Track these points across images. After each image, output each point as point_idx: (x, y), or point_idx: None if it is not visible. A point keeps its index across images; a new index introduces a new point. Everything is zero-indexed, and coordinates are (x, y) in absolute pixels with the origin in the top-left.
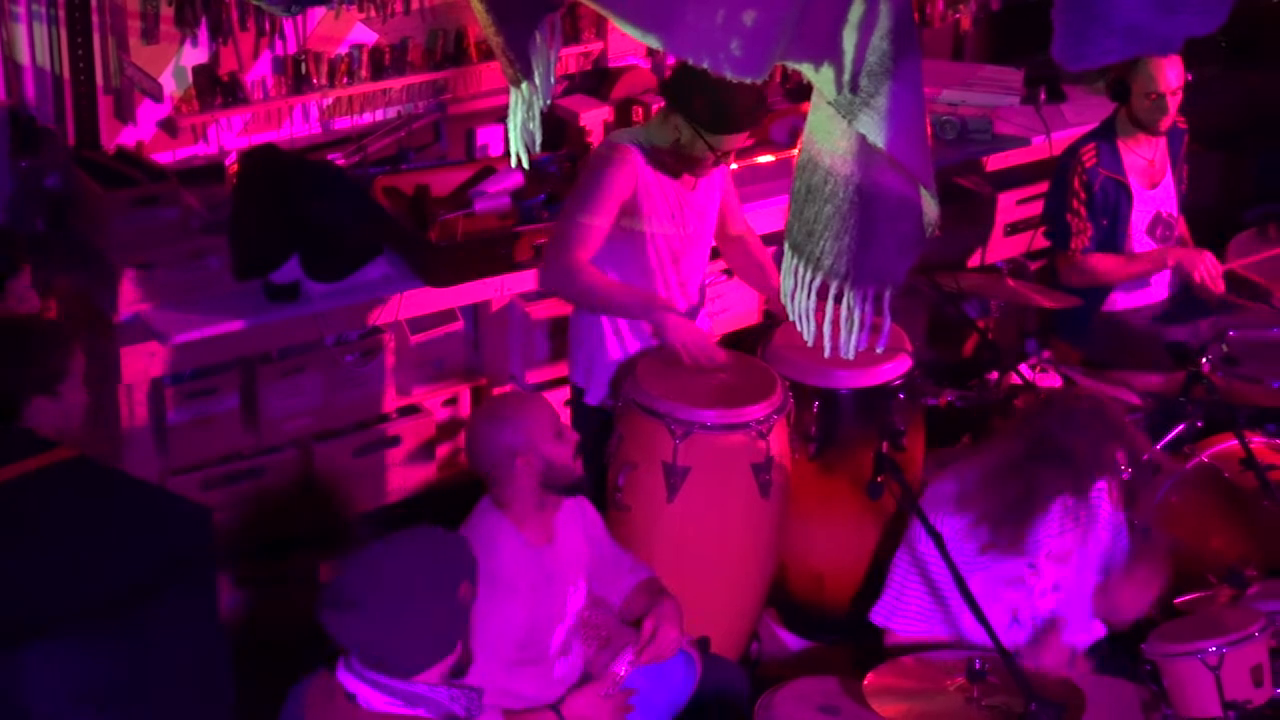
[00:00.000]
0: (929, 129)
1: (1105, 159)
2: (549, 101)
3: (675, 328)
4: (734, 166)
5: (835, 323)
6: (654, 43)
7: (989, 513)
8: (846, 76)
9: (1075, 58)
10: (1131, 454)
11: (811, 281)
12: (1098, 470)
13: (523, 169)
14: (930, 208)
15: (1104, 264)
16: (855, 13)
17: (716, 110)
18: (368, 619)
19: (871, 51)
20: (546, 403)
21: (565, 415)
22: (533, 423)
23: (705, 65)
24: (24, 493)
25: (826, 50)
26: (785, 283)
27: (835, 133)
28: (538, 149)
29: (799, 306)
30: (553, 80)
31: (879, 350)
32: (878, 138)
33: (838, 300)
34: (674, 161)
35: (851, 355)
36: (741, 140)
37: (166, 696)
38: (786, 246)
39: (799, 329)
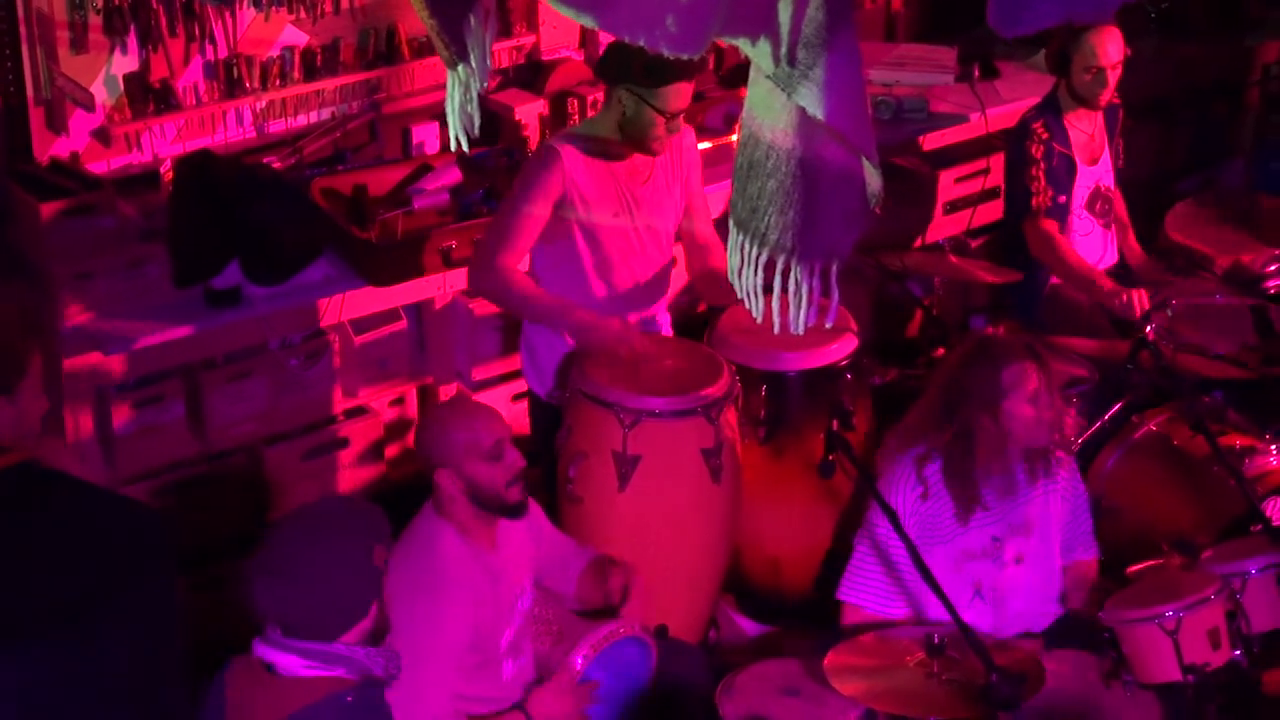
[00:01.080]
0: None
1: (1055, 133)
2: (485, 84)
3: (588, 329)
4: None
5: (783, 299)
6: (589, 22)
7: (939, 471)
8: (784, 50)
9: (1011, 23)
10: (1043, 376)
11: (758, 258)
12: (1007, 394)
13: (460, 165)
14: (874, 179)
15: (1055, 233)
16: None
17: (651, 63)
18: (283, 584)
19: (808, 23)
20: (491, 420)
21: (517, 409)
22: (463, 439)
23: (641, 43)
24: None
25: (763, 24)
26: (732, 259)
27: (775, 107)
28: (476, 131)
29: (746, 283)
30: (489, 63)
31: (827, 326)
32: (817, 109)
33: (784, 275)
34: (622, 143)
35: (801, 331)
36: (684, 94)
37: (123, 701)
38: (731, 223)
39: (747, 306)
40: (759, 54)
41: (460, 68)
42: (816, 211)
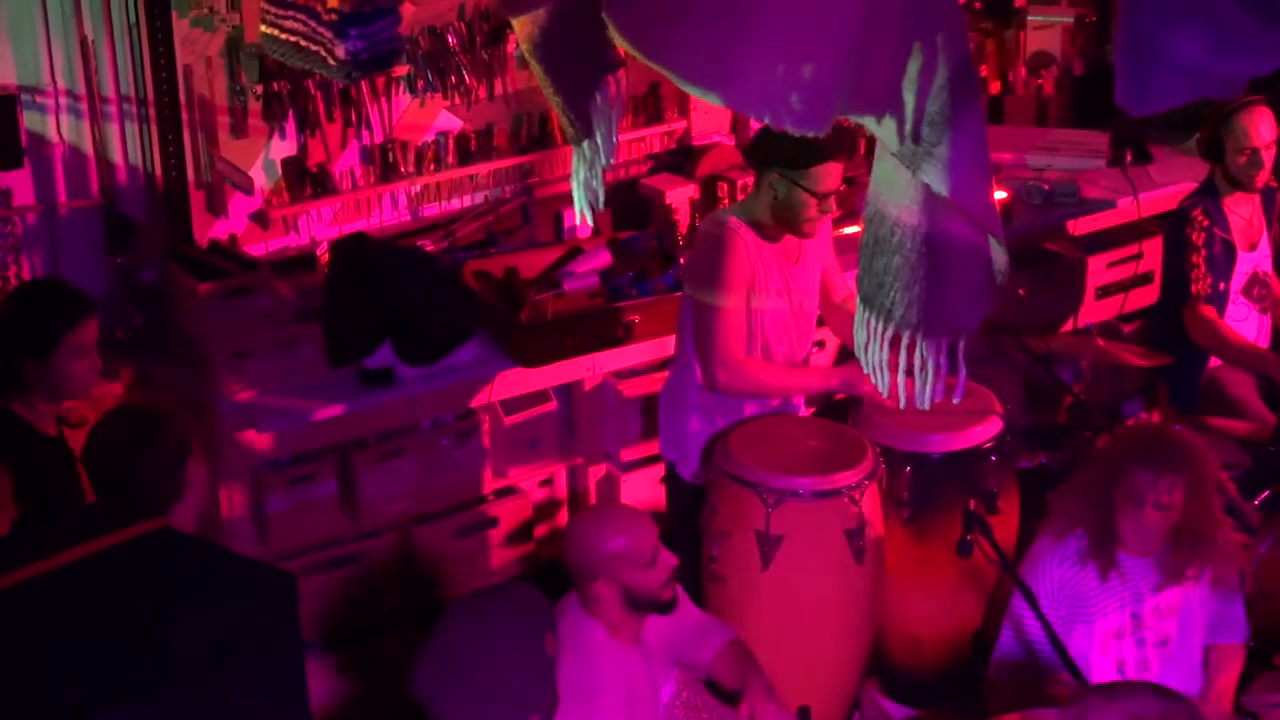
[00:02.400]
0: (995, 183)
1: (1216, 219)
2: (611, 161)
3: (855, 381)
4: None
5: (910, 375)
6: (715, 100)
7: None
8: (908, 127)
9: (1138, 101)
10: (1194, 485)
11: (884, 333)
12: (1150, 500)
13: (610, 249)
14: (999, 255)
15: (1215, 318)
16: (914, 64)
17: (799, 144)
18: (457, 680)
19: (932, 101)
20: (645, 526)
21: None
22: (620, 549)
23: (766, 120)
24: (109, 564)
25: (887, 102)
26: (858, 336)
27: (900, 184)
28: (601, 205)
29: (873, 359)
30: (615, 139)
31: (955, 401)
32: (942, 186)
33: (910, 351)
34: (777, 225)
35: (927, 406)
36: (835, 174)
37: None
38: (859, 300)
39: (874, 381)
40: (884, 131)
41: (585, 145)
42: (942, 288)
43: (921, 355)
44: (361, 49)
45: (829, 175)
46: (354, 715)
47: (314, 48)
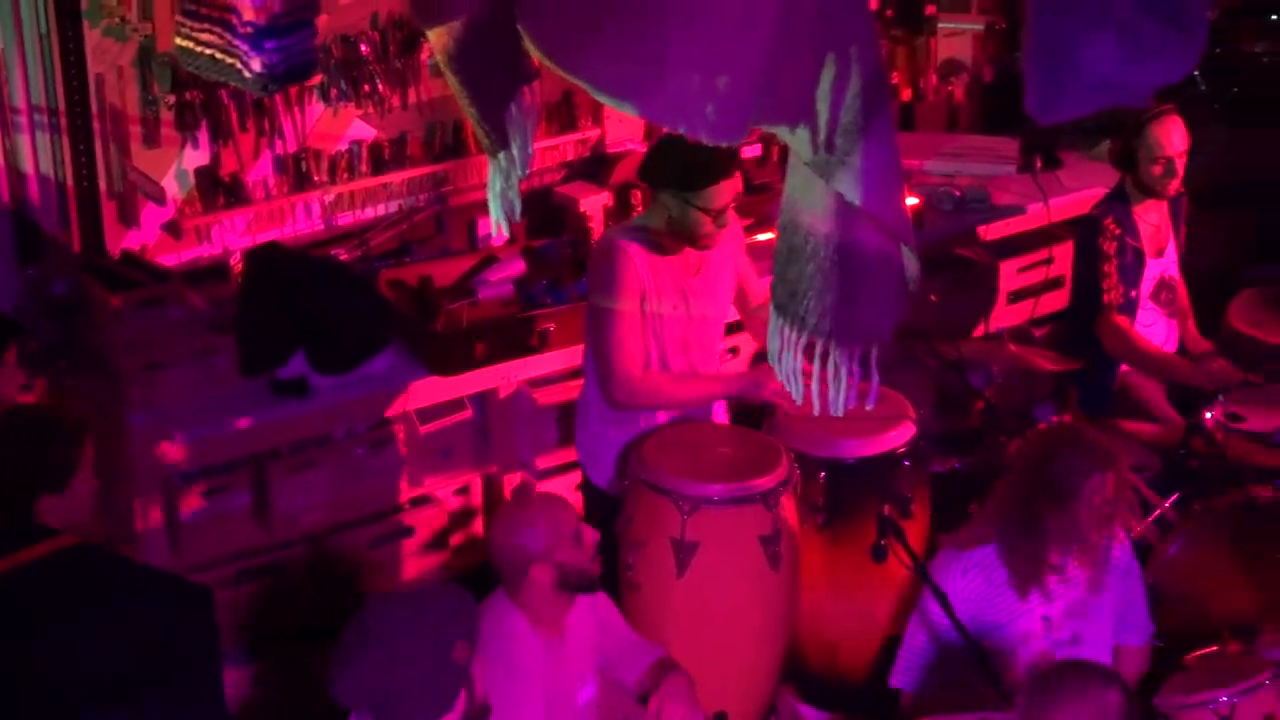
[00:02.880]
0: (906, 190)
1: (1127, 226)
2: (526, 171)
3: (762, 382)
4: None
5: (824, 381)
6: (630, 110)
7: (1003, 550)
8: (822, 137)
9: (1046, 109)
10: (1118, 482)
11: (798, 341)
12: (1083, 499)
13: (524, 257)
14: (911, 262)
15: (1128, 327)
16: (827, 74)
17: (689, 167)
18: (366, 672)
19: (845, 111)
20: (567, 506)
21: (579, 500)
22: (551, 530)
23: (683, 130)
24: (25, 582)
25: (801, 113)
26: (772, 344)
27: (813, 193)
28: (518, 216)
29: (786, 367)
30: (530, 150)
31: (869, 407)
32: (854, 195)
33: (824, 358)
34: (673, 240)
35: (841, 413)
36: (726, 192)
37: None
38: (772, 308)
39: (788, 389)
40: (797, 141)
41: (501, 156)
42: (855, 296)
43: (835, 363)
44: (277, 62)
45: (721, 193)
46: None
47: (229, 60)
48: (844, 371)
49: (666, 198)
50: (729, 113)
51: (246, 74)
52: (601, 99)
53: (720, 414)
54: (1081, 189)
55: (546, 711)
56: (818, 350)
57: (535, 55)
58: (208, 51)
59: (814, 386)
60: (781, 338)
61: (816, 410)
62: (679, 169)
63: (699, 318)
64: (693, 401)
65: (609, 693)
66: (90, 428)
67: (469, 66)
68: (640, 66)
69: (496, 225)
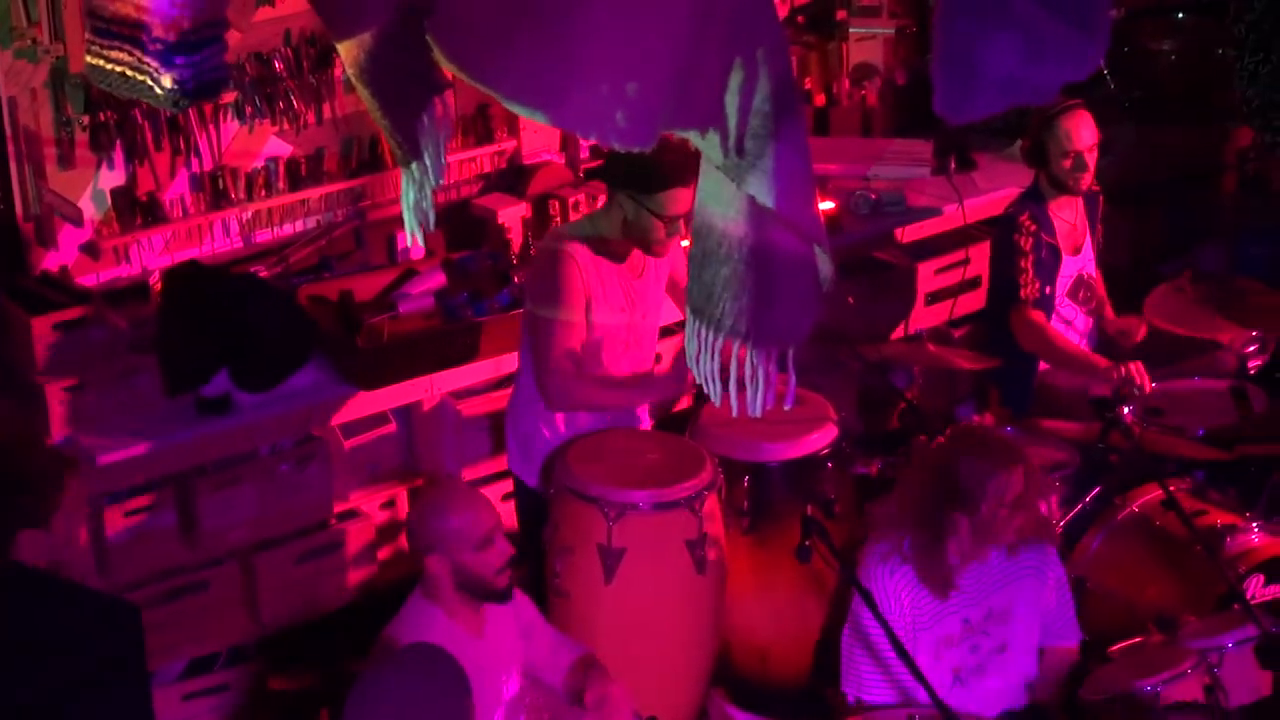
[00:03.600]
0: (822, 195)
1: (1042, 223)
2: (440, 181)
3: (673, 387)
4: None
5: (740, 384)
6: (542, 119)
7: (910, 556)
8: (732, 141)
9: (956, 110)
10: (1027, 478)
11: (714, 343)
12: (989, 498)
13: (444, 269)
14: (825, 264)
15: (1043, 322)
16: (735, 79)
17: (646, 172)
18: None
19: (754, 115)
20: (483, 509)
21: (507, 508)
22: (455, 526)
23: (593, 138)
24: None
25: (710, 117)
26: (689, 346)
27: (725, 197)
28: (432, 226)
29: (704, 369)
30: (443, 160)
31: (787, 408)
32: (766, 198)
33: (740, 360)
34: (624, 244)
35: (759, 414)
36: (682, 199)
37: None
38: (689, 310)
39: (706, 391)
40: (708, 145)
41: (414, 166)
42: (770, 297)
43: (752, 364)
44: (188, 78)
45: (677, 200)
46: None
47: (140, 77)
48: (761, 373)
49: (622, 199)
50: (638, 119)
51: (158, 90)
52: (513, 108)
53: (644, 420)
54: (996, 190)
55: None
56: (734, 352)
57: (445, 66)
58: (118, 69)
59: (732, 389)
60: (699, 340)
61: (734, 412)
62: (638, 172)
63: (639, 321)
64: (624, 403)
65: (535, 693)
66: (74, 465)
67: (380, 78)
68: (549, 76)
69: (411, 236)
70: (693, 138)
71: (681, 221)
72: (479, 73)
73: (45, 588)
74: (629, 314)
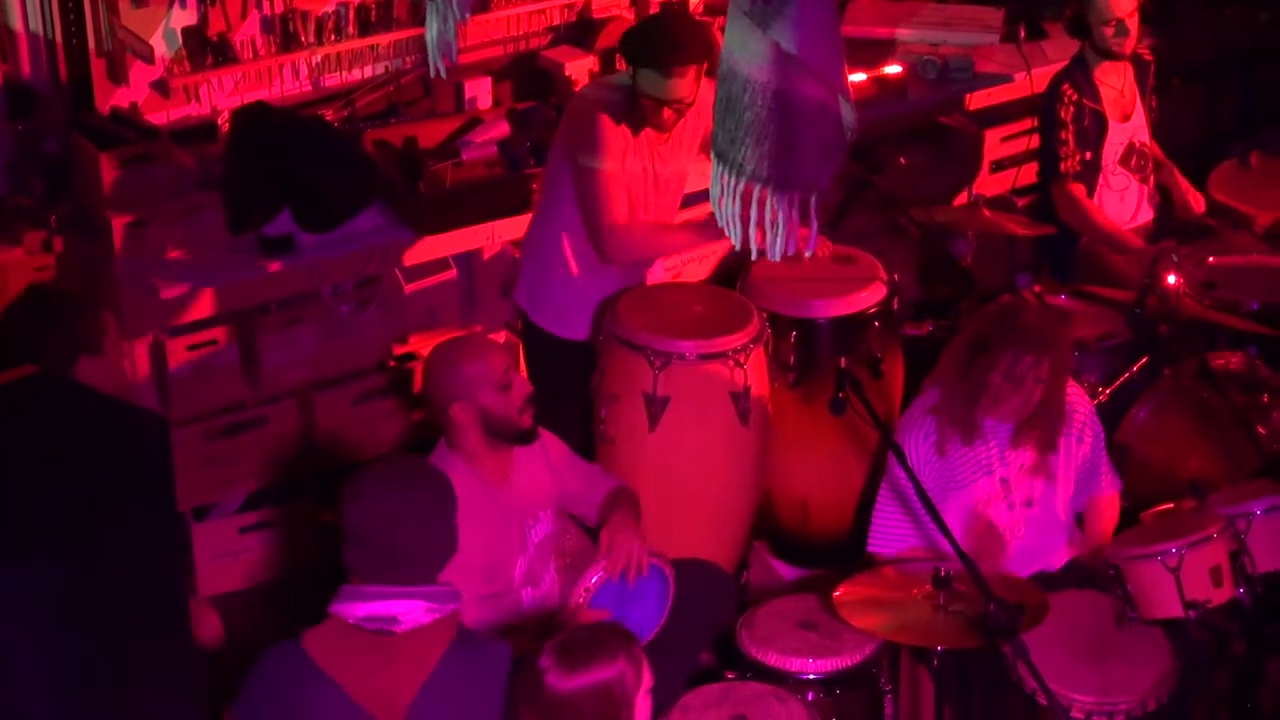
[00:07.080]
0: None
1: (1085, 91)
2: (464, 16)
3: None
4: None
5: (761, 226)
6: None
7: (942, 408)
8: None
9: None
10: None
11: (736, 187)
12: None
13: (508, 120)
14: (848, 113)
15: (1081, 196)
16: None
17: (664, 47)
18: (398, 518)
19: None
20: (499, 350)
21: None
22: (473, 371)
23: None
24: None
25: None
26: (713, 190)
27: (751, 43)
28: (454, 59)
29: (726, 212)
30: None
31: (808, 254)
32: (790, 44)
33: (761, 204)
34: (638, 115)
35: (778, 259)
36: (687, 87)
37: (124, 610)
38: (713, 155)
39: (728, 234)
40: None
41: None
42: (793, 144)
43: (773, 209)
44: None
45: (683, 85)
46: (260, 574)
47: None
48: (782, 218)
49: (636, 73)
50: None
51: None
52: None
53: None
54: (1065, 59)
55: (486, 553)
56: (755, 196)
57: None
58: None
59: (752, 232)
60: (721, 184)
61: (754, 256)
62: (653, 49)
63: (664, 178)
64: (680, 247)
65: (565, 538)
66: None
67: None
68: None
69: (434, 66)
70: None
71: (686, 106)
72: None
73: (74, 396)
74: (651, 172)
